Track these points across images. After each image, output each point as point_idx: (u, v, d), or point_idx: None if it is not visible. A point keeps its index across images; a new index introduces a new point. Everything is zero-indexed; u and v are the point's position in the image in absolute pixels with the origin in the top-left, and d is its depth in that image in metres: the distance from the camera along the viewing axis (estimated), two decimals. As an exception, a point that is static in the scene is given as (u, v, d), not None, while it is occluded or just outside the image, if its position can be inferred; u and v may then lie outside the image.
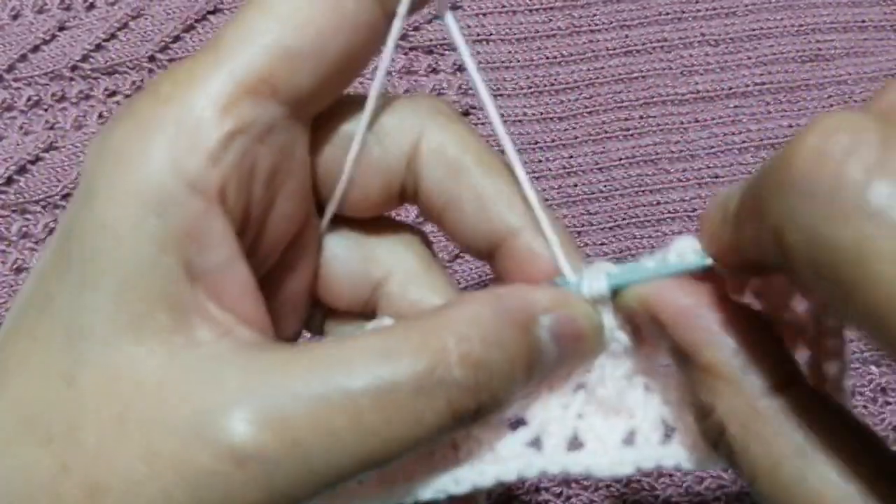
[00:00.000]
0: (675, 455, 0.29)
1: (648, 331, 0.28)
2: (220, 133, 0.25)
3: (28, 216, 0.54)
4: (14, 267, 0.53)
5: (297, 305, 0.31)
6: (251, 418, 0.23)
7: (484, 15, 0.59)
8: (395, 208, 0.32)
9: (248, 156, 0.25)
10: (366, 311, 0.32)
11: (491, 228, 0.29)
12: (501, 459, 0.28)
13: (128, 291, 0.24)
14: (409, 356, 0.25)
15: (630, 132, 0.57)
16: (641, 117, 0.57)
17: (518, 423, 0.29)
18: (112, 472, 0.23)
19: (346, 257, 0.31)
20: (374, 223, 0.32)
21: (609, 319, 0.28)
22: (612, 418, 0.29)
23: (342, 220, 0.31)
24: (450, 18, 0.29)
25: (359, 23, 0.27)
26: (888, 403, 0.50)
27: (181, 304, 0.24)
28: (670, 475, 0.49)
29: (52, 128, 0.56)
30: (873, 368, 0.51)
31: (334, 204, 0.30)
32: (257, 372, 0.24)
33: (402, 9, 0.27)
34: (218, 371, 0.24)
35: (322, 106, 0.28)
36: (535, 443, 0.29)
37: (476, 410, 0.25)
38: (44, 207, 0.54)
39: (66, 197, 0.54)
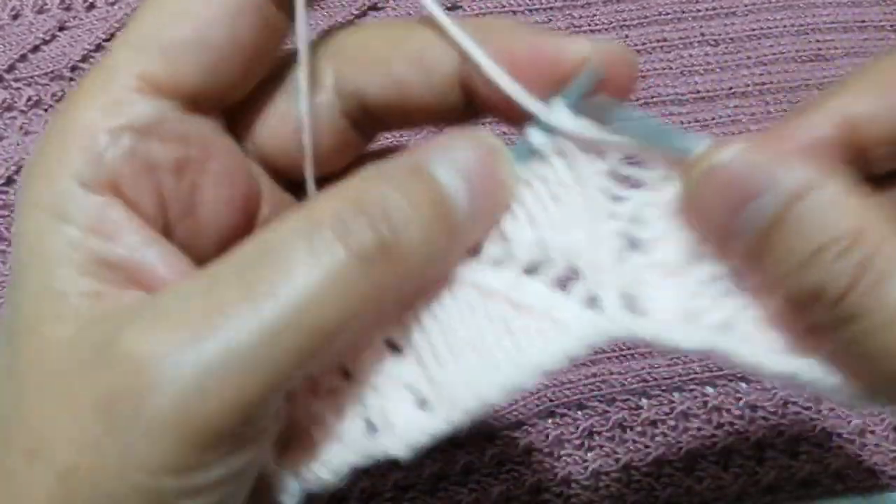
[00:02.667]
0: (741, 345, 0.26)
1: (721, 198, 0.26)
2: (105, 132, 0.26)
3: (28, 216, 0.54)
4: (14, 267, 0.53)
5: None
6: (143, 328, 0.23)
7: (484, 15, 0.59)
8: (365, 146, 0.31)
9: (139, 150, 0.26)
10: None
11: (443, 74, 0.28)
12: (564, 327, 0.26)
13: (46, 287, 0.25)
14: (293, 221, 0.24)
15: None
16: (641, 117, 0.57)
17: (568, 278, 0.27)
18: (43, 430, 0.24)
19: None
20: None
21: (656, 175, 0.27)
22: (672, 285, 0.27)
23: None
24: None
25: (243, 9, 0.27)
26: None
27: (94, 290, 0.25)
28: (670, 475, 0.49)
29: (52, 128, 0.56)
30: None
31: (310, 175, 0.30)
32: (151, 297, 0.25)
33: None
34: (119, 311, 0.25)
35: (237, 94, 0.28)
36: (592, 301, 0.26)
37: (382, 247, 0.24)
38: (44, 207, 0.54)
39: (66, 197, 0.54)
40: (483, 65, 0.27)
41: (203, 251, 0.28)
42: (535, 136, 0.27)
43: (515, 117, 0.28)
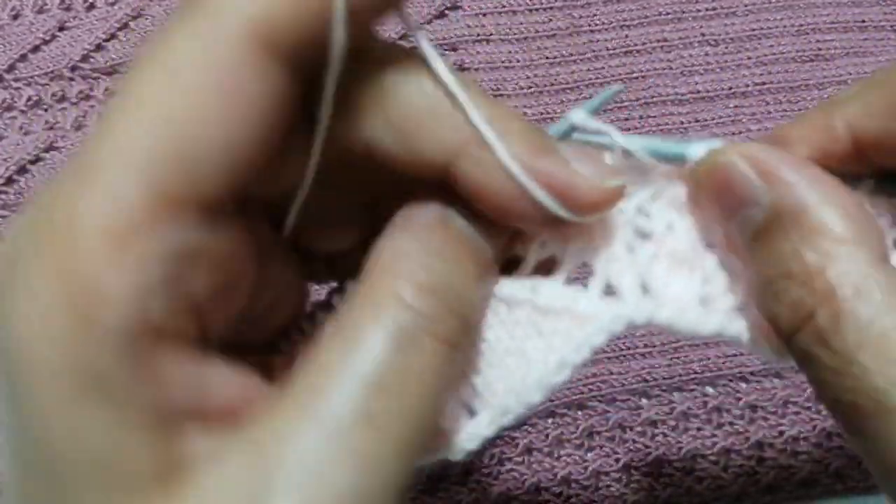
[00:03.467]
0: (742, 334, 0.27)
1: (717, 202, 0.26)
2: (121, 297, 0.20)
3: (28, 216, 0.54)
4: (14, 267, 0.53)
5: (288, 307, 0.30)
6: None
7: (484, 15, 0.59)
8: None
9: (177, 291, 0.22)
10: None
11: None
12: (586, 321, 0.26)
13: (117, 476, 0.21)
14: (371, 332, 0.23)
15: (630, 132, 0.56)
16: (641, 117, 0.57)
17: (585, 276, 0.27)
18: None
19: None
20: None
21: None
22: (686, 273, 0.27)
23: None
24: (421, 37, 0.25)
25: (264, 98, 0.22)
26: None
27: (168, 462, 0.22)
28: (670, 475, 0.49)
29: (52, 128, 0.56)
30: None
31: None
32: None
33: (336, 48, 0.22)
34: None
35: (268, 197, 0.25)
36: (609, 290, 0.27)
37: (464, 324, 0.24)
38: (44, 207, 0.54)
39: (66, 197, 0.54)
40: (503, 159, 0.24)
41: (254, 333, 0.27)
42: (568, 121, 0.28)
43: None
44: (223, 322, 0.24)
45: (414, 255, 0.24)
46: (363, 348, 0.22)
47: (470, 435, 0.27)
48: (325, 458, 0.21)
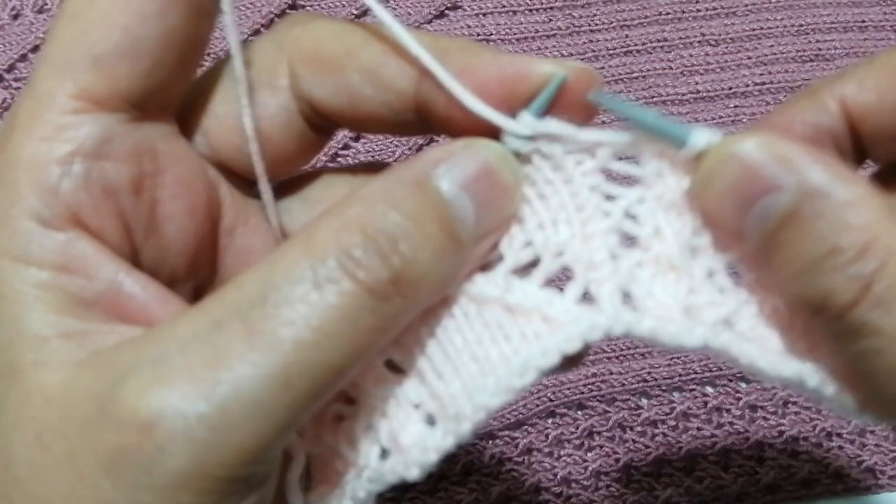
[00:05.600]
0: (743, 346, 0.25)
1: (734, 191, 0.25)
2: (54, 164, 0.24)
3: (28, 216, 0.54)
4: (14, 267, 0.53)
5: None
6: (146, 382, 0.22)
7: (484, 15, 0.59)
8: (325, 143, 0.30)
9: (94, 175, 0.25)
10: None
11: (399, 92, 0.27)
12: (560, 326, 0.25)
13: (22, 331, 0.24)
14: (294, 253, 0.23)
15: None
16: (641, 117, 0.57)
17: (562, 278, 0.26)
18: (45, 490, 0.23)
19: (302, 217, 0.30)
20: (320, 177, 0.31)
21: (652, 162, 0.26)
22: (672, 280, 0.26)
23: (291, 187, 0.30)
24: None
25: (168, 4, 0.25)
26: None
27: (75, 331, 0.24)
28: (670, 475, 0.49)
29: (52, 128, 0.56)
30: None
31: (262, 173, 0.29)
32: (147, 341, 0.23)
33: None
34: (113, 358, 0.23)
35: (176, 93, 0.27)
36: (587, 298, 0.25)
37: (394, 280, 0.23)
38: (44, 207, 0.54)
39: (66, 197, 0.54)
40: (445, 82, 0.26)
41: (172, 268, 0.27)
42: (511, 142, 0.26)
43: (473, 135, 0.27)
44: (144, 235, 0.26)
45: (371, 200, 0.24)
46: (279, 270, 0.23)
47: (430, 448, 0.25)
48: (188, 357, 0.22)
